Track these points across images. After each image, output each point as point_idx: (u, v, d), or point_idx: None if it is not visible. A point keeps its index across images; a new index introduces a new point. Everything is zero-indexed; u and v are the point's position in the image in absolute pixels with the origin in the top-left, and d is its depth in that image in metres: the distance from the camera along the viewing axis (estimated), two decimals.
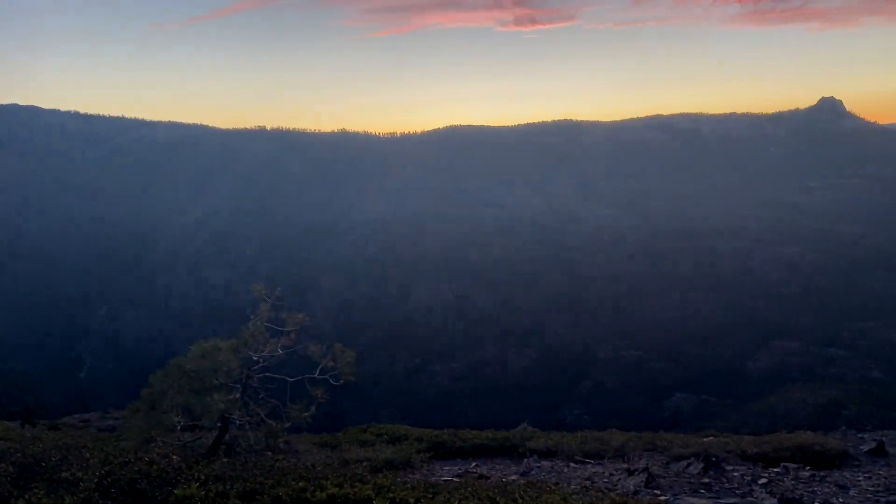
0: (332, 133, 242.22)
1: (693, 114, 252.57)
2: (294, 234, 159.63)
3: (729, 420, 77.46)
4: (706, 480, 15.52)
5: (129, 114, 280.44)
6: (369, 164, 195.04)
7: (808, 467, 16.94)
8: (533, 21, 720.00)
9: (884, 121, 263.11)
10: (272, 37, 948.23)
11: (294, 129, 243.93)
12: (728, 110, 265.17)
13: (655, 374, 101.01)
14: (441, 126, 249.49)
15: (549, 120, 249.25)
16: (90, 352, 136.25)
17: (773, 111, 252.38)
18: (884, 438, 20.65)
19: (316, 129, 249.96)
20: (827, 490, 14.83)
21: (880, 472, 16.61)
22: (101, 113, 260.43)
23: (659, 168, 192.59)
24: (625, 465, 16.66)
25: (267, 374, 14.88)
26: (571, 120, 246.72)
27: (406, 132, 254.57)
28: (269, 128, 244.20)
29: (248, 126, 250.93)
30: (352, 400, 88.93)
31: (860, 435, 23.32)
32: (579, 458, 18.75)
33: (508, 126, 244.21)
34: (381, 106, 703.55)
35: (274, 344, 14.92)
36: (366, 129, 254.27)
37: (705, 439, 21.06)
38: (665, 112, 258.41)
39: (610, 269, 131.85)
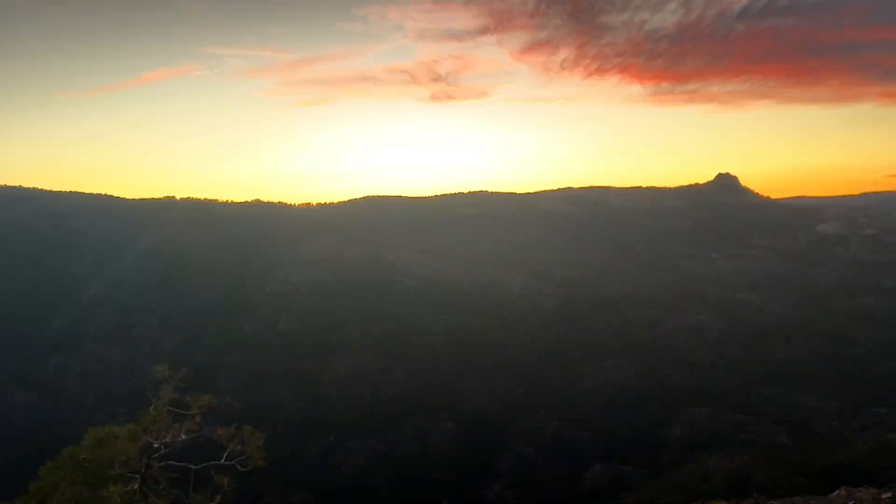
0: (246, 203, 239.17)
1: (601, 187, 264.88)
2: (202, 308, 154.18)
3: (647, 490, 78.08)
4: None
5: (28, 184, 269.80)
6: (284, 235, 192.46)
7: None
8: (449, 97, 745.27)
9: (774, 196, 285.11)
10: (183, 107, 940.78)
11: (206, 199, 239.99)
12: (634, 184, 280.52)
13: (575, 445, 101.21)
14: (357, 196, 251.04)
15: (466, 191, 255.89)
16: None
17: (676, 185, 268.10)
18: None
19: (228, 199, 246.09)
20: None
21: None
22: None
23: (571, 238, 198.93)
24: None
25: (169, 461, 13.91)
26: (487, 192, 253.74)
27: (322, 202, 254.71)
28: (178, 198, 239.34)
29: (156, 196, 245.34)
30: (263, 482, 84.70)
31: (771, 501, 23.81)
32: None
33: (425, 197, 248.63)
34: (298, 176, 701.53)
35: (177, 429, 13.99)
36: (281, 200, 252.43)
37: None
38: (576, 185, 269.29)
39: (527, 337, 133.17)
